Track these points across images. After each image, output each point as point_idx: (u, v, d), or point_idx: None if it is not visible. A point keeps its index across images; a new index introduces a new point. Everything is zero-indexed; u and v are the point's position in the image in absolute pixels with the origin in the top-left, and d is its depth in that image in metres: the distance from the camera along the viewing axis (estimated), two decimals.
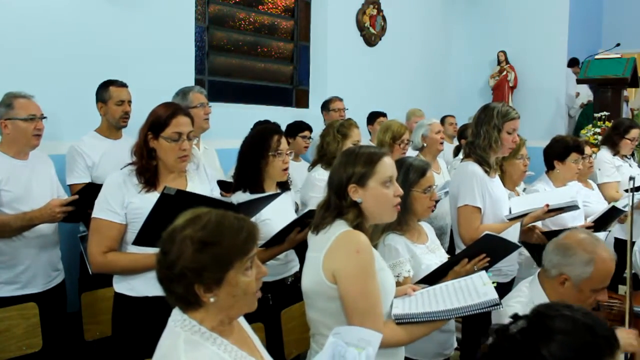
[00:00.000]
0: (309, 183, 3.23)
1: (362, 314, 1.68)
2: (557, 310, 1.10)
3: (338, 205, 1.76)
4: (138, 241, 1.98)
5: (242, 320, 1.50)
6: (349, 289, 1.68)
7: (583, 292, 1.91)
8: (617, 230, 3.85)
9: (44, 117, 2.67)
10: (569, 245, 1.95)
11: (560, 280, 1.94)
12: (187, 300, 1.30)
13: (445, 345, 2.31)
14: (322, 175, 3.15)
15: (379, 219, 1.82)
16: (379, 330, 1.67)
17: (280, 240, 2.36)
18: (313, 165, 3.39)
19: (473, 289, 1.80)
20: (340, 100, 4.78)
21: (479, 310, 1.71)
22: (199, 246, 1.25)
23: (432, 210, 2.27)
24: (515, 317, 1.13)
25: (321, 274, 1.72)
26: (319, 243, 1.76)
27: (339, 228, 1.74)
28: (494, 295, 1.71)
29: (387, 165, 1.79)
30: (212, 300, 1.28)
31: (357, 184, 1.75)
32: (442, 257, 2.31)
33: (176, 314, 1.33)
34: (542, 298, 1.97)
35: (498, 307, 1.70)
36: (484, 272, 1.90)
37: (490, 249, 2.23)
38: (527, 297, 2.00)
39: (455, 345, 2.41)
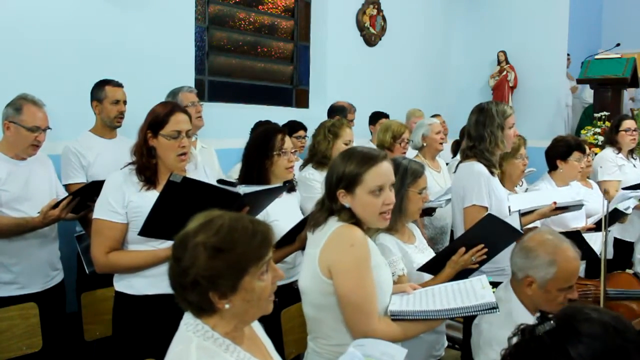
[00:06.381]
0: (300, 183, 3.22)
1: (356, 307, 1.69)
2: (586, 313, 1.09)
3: (329, 206, 1.77)
4: (144, 232, 1.98)
5: (255, 323, 1.47)
6: (344, 282, 1.69)
7: (550, 293, 1.93)
8: (617, 230, 3.86)
9: (49, 129, 2.66)
10: (531, 247, 1.96)
11: (526, 283, 1.96)
12: (200, 307, 1.27)
13: (436, 347, 2.31)
14: (312, 174, 3.14)
15: (367, 224, 1.81)
16: (372, 324, 1.68)
17: (291, 239, 2.36)
18: (304, 164, 3.39)
19: (472, 291, 1.80)
20: (354, 112, 4.71)
21: (475, 312, 1.72)
22: (212, 253, 1.21)
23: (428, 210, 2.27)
24: (542, 317, 1.12)
25: (317, 269, 1.72)
26: (316, 240, 1.77)
27: (335, 224, 1.75)
28: (491, 298, 1.72)
29: (378, 173, 1.74)
30: (227, 306, 1.25)
31: (345, 190, 1.74)
32: (430, 256, 2.31)
33: (189, 318, 1.30)
34: (515, 302, 1.99)
35: (494, 310, 1.69)
36: (484, 276, 1.91)
37: (491, 235, 2.23)
38: (503, 304, 1.97)
39: (446, 345, 2.41)
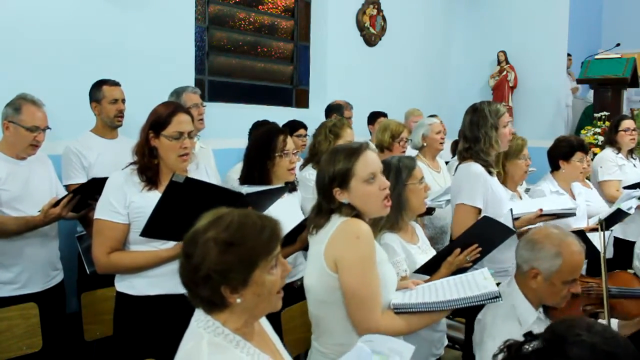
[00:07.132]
0: (300, 183, 3.21)
1: (360, 301, 1.70)
2: (577, 334, 1.04)
3: (328, 208, 1.79)
4: (146, 232, 1.98)
5: (262, 319, 1.49)
6: (349, 276, 1.70)
7: (555, 285, 1.95)
8: (619, 229, 3.85)
9: (48, 129, 2.66)
10: (537, 239, 1.99)
11: (531, 275, 1.98)
12: (212, 302, 1.29)
13: (437, 345, 2.32)
14: (312, 175, 3.13)
15: (370, 215, 1.84)
16: (375, 318, 1.69)
17: (291, 240, 2.36)
18: (304, 164, 3.38)
19: (474, 283, 1.82)
20: (350, 109, 4.74)
21: (478, 302, 1.73)
22: (223, 247, 1.24)
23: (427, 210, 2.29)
24: (530, 335, 1.10)
25: (323, 263, 1.74)
26: (321, 237, 1.78)
27: (339, 219, 1.76)
28: (493, 288, 1.73)
29: (367, 162, 1.79)
30: (238, 301, 1.27)
31: (340, 187, 1.76)
32: None
33: (199, 314, 1.32)
34: (519, 296, 2.00)
35: (497, 299, 1.71)
36: (485, 269, 1.92)
37: (486, 235, 2.25)
38: (506, 299, 1.99)
39: (446, 343, 2.42)
